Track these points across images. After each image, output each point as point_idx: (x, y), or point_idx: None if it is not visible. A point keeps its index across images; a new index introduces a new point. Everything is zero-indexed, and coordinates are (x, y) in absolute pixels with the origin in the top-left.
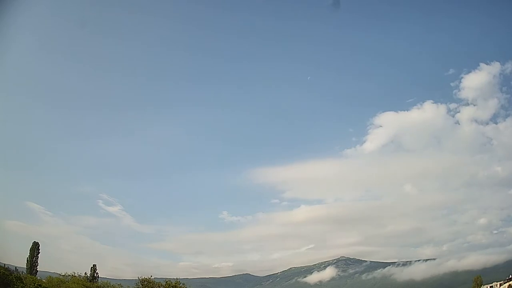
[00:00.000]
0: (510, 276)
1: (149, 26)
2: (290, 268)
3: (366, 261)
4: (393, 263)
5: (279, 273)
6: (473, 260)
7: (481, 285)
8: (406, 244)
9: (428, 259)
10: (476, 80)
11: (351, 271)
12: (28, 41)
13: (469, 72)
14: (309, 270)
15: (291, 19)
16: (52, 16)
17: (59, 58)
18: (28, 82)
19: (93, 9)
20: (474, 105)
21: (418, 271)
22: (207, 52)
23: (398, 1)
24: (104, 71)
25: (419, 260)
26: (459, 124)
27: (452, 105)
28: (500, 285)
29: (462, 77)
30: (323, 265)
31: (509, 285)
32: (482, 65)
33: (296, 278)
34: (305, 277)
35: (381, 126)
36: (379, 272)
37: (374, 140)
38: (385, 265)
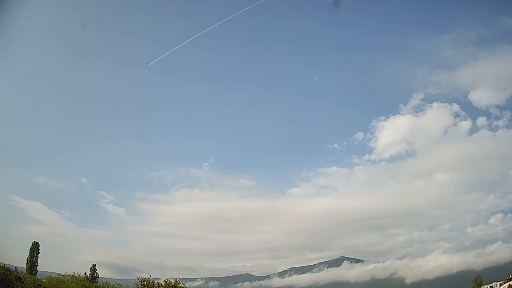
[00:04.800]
0: (510, 276)
1: (151, 25)
2: (290, 268)
3: (368, 260)
4: (394, 262)
5: (279, 273)
6: (473, 260)
7: (481, 285)
8: (407, 244)
9: (430, 259)
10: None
11: (351, 271)
12: (30, 39)
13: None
14: (309, 269)
15: (295, 21)
16: (54, 14)
17: (60, 55)
18: (30, 80)
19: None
20: (486, 109)
21: (419, 271)
22: (210, 53)
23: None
24: (105, 68)
25: (419, 259)
26: (470, 127)
27: (463, 110)
28: (500, 285)
29: (475, 79)
30: (323, 265)
31: (509, 285)
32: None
33: (296, 277)
34: (305, 276)
35: (388, 129)
36: (380, 272)
37: (384, 143)
38: (385, 264)
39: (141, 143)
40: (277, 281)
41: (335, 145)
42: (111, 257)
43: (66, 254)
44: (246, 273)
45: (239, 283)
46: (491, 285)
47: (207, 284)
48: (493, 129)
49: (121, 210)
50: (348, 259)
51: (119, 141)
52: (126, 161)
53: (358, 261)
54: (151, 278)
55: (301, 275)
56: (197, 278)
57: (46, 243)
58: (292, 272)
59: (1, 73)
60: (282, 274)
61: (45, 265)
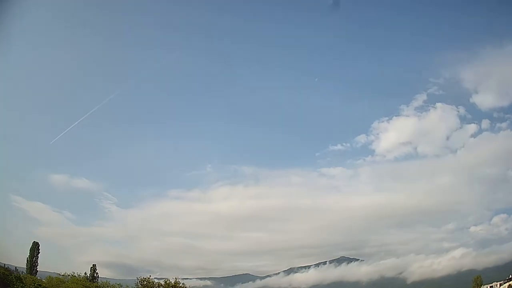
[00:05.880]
0: (510, 276)
1: (151, 29)
2: (291, 268)
3: (369, 260)
4: (396, 262)
5: (279, 273)
6: (476, 260)
7: (481, 285)
8: (410, 244)
9: (430, 260)
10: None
11: (353, 270)
12: (29, 42)
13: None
14: (309, 269)
15: (297, 22)
16: (53, 17)
17: (60, 59)
18: (28, 82)
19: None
20: (490, 112)
21: (421, 271)
22: (212, 57)
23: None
24: (103, 73)
25: (422, 259)
26: (474, 128)
27: (466, 112)
28: (500, 285)
29: (479, 81)
30: (323, 264)
31: (509, 285)
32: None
33: (295, 277)
34: (305, 276)
35: (390, 131)
36: (382, 272)
37: (386, 144)
38: (387, 264)
39: (183, 141)
40: (279, 280)
41: (339, 146)
42: (122, 258)
43: (72, 255)
44: (246, 273)
45: (250, 282)
46: (491, 285)
47: (218, 284)
48: (496, 131)
49: (137, 209)
50: (349, 258)
51: (157, 139)
52: (165, 159)
53: (359, 261)
54: (151, 278)
55: (305, 274)
56: (209, 278)
57: (47, 243)
58: (292, 272)
59: (11, 73)
60: (282, 273)
61: (45, 265)
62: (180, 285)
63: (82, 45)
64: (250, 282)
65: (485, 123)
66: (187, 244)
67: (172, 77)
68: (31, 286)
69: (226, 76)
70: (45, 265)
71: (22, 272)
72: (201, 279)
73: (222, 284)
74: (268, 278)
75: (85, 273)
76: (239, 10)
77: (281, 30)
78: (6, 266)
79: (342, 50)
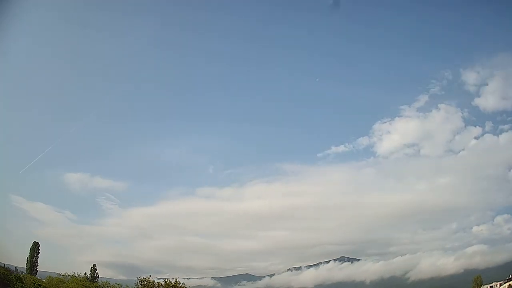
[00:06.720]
0: (510, 276)
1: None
2: (291, 268)
3: (369, 260)
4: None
5: (279, 273)
6: (474, 260)
7: (481, 285)
8: (411, 243)
9: (432, 259)
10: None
11: (359, 269)
12: (29, 42)
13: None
14: (309, 269)
15: (295, 22)
16: (53, 17)
17: (59, 59)
18: (28, 82)
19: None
20: (492, 114)
21: (422, 270)
22: (214, 58)
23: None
24: (103, 73)
25: (424, 259)
26: (476, 131)
27: (468, 113)
28: (500, 285)
29: (482, 84)
30: (324, 264)
31: (509, 285)
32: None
33: (296, 277)
34: (305, 276)
35: (392, 132)
36: (383, 272)
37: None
38: (388, 264)
39: (201, 141)
40: (288, 278)
41: (342, 147)
42: (130, 258)
43: (72, 255)
44: (246, 273)
45: (257, 281)
46: (491, 285)
47: (224, 283)
48: (498, 133)
49: (152, 208)
50: (349, 258)
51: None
52: (193, 157)
53: (360, 260)
54: (151, 277)
55: (310, 273)
56: (217, 278)
57: (47, 243)
58: (293, 271)
59: (10, 73)
60: (282, 273)
61: (45, 265)
62: (180, 285)
63: (82, 45)
64: (257, 281)
65: (488, 125)
66: (202, 243)
67: (172, 76)
68: (31, 286)
69: (226, 77)
70: (45, 265)
71: (22, 272)
72: (210, 278)
73: (228, 283)
74: (277, 276)
75: (85, 273)
76: (239, 10)
77: (281, 30)
78: (6, 266)
79: (342, 50)
